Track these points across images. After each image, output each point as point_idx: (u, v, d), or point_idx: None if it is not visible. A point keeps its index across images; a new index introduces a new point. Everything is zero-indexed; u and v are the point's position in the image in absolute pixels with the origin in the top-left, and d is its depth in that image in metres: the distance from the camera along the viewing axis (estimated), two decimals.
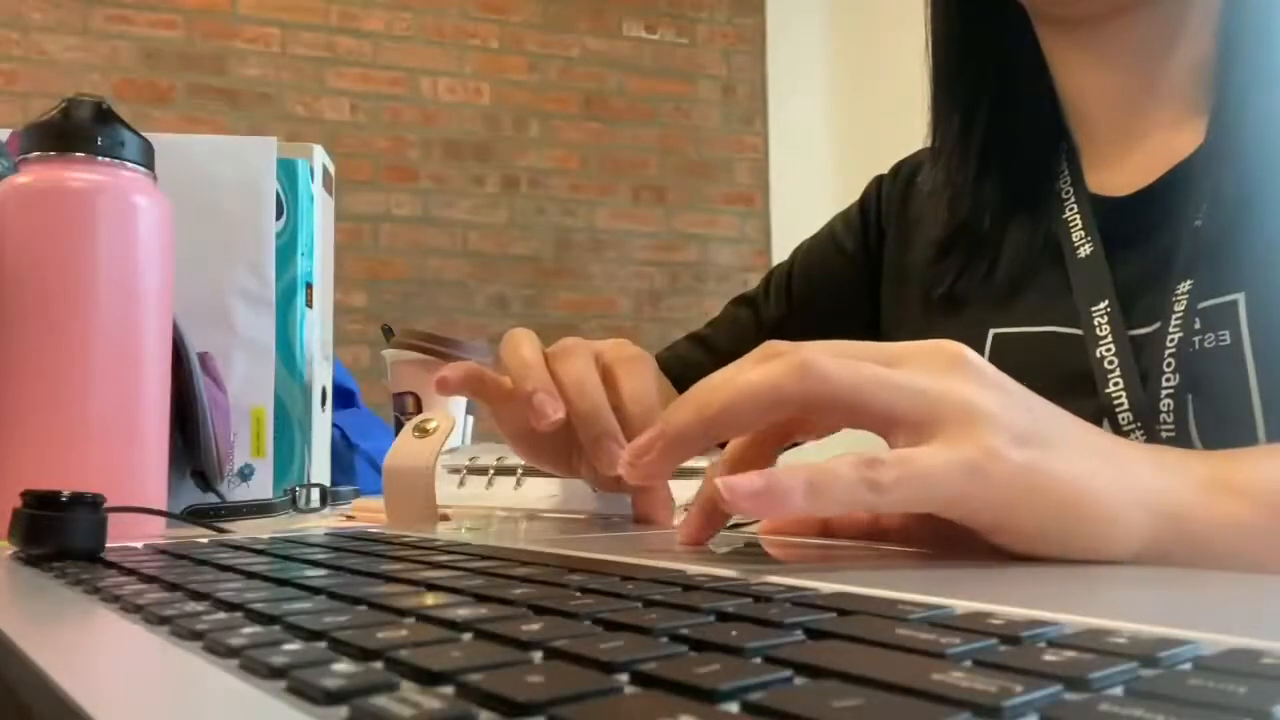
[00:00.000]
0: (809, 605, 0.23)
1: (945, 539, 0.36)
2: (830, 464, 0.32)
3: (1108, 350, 0.55)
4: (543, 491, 0.61)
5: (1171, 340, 0.52)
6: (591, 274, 3.11)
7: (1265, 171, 0.52)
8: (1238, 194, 0.52)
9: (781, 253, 3.74)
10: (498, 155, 3.04)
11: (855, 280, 0.75)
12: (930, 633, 0.19)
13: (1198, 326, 0.52)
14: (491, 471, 0.65)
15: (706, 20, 3.30)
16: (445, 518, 0.55)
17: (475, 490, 0.65)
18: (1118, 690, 0.16)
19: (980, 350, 0.54)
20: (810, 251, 0.80)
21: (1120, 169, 0.60)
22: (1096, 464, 0.34)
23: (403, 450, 0.54)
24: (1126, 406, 0.53)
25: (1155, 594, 0.28)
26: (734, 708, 0.15)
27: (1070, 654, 0.17)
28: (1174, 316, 0.53)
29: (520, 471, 0.63)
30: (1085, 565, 0.31)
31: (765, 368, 0.34)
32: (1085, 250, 0.58)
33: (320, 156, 0.89)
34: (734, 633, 0.19)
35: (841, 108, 3.12)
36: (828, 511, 0.38)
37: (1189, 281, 0.53)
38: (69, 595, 0.29)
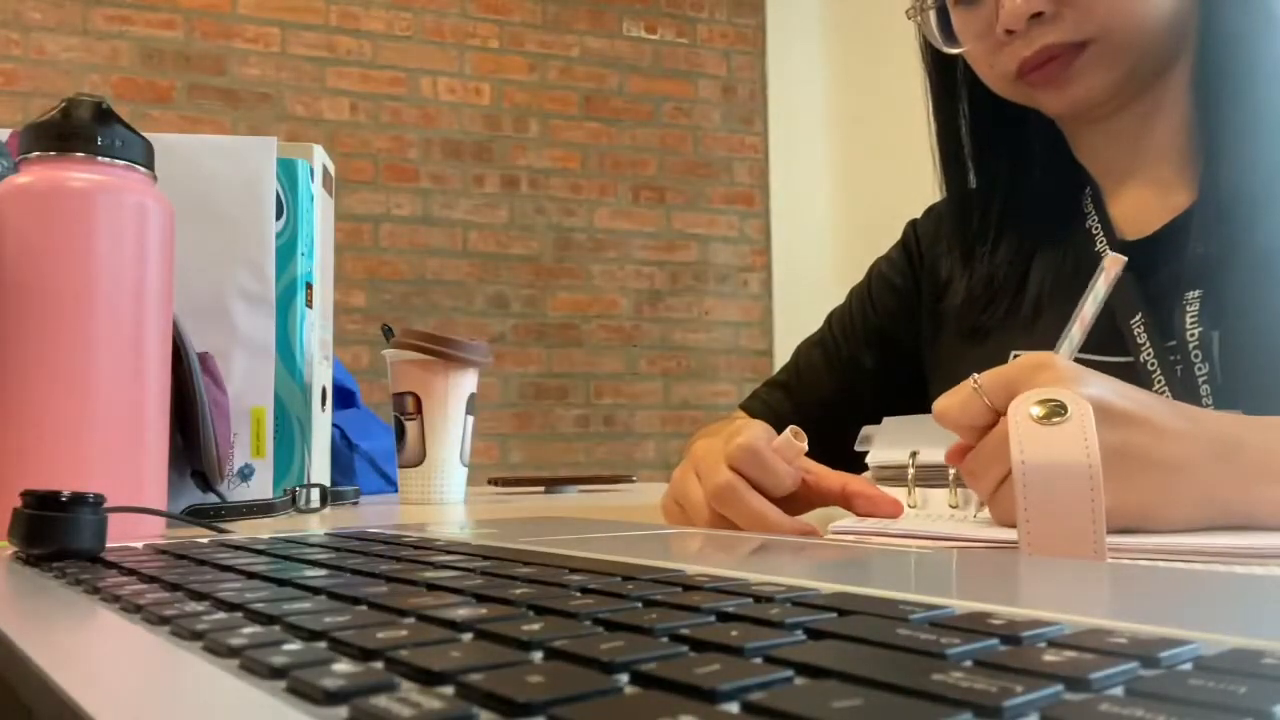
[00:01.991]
0: (809, 605, 0.23)
1: None
2: None
3: (1149, 355, 0.64)
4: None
5: (1192, 335, 0.63)
6: (591, 274, 3.11)
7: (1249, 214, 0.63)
8: (1224, 235, 0.63)
9: (781, 252, 3.70)
10: (498, 155, 3.04)
11: (912, 308, 0.84)
12: (930, 633, 0.19)
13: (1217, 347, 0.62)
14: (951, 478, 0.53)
15: (706, 20, 3.30)
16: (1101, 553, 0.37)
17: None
18: (1118, 690, 0.16)
19: None
20: (863, 296, 0.88)
21: (1137, 218, 0.70)
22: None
23: (1038, 442, 0.36)
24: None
25: (1155, 594, 0.28)
26: (734, 708, 0.15)
27: (1070, 654, 0.17)
28: (1188, 315, 0.63)
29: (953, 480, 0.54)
30: (1084, 565, 0.31)
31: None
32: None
33: (320, 156, 0.89)
34: (734, 633, 0.19)
35: (841, 108, 3.12)
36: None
37: (1198, 291, 0.63)
38: (69, 595, 0.29)
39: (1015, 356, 0.70)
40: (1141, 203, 0.70)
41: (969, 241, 0.76)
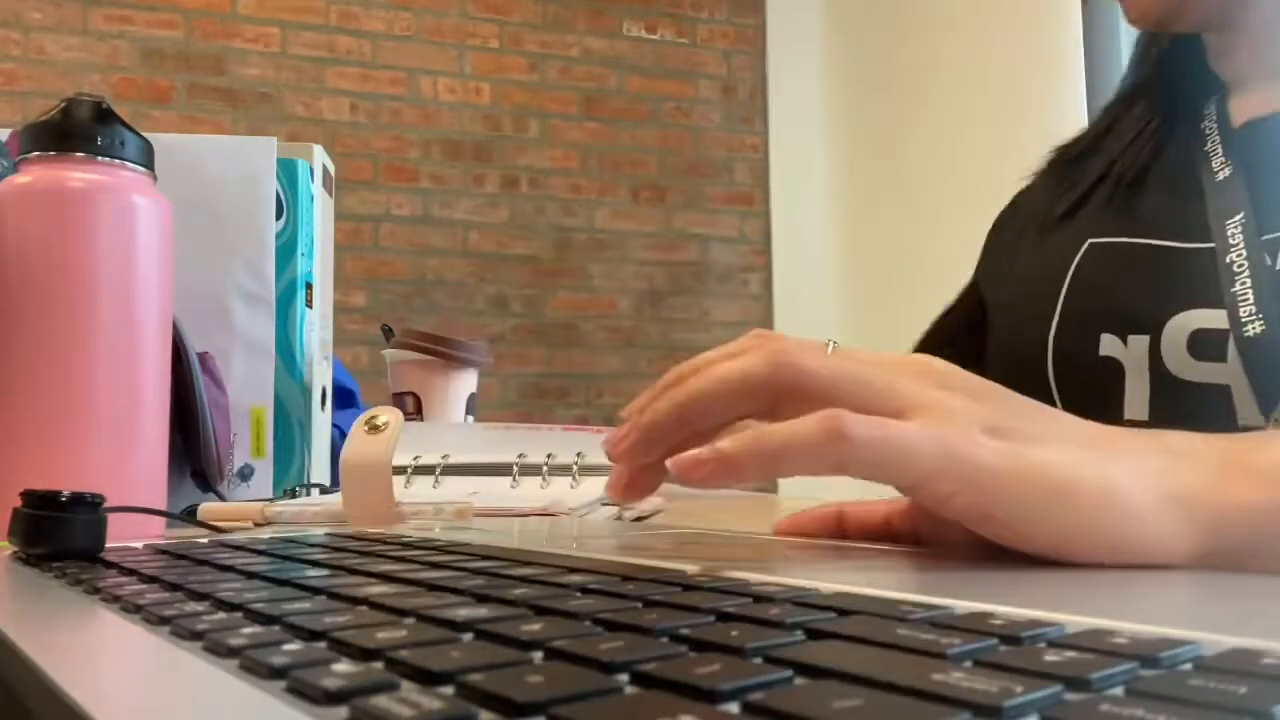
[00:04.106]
0: (809, 605, 0.23)
1: (955, 541, 0.35)
2: (795, 421, 0.31)
3: (1239, 255, 0.56)
4: (466, 489, 0.65)
5: None
6: (591, 274, 3.11)
7: None
8: None
9: (781, 252, 3.71)
10: (498, 155, 3.04)
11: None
12: (930, 633, 0.19)
13: None
14: (439, 470, 0.68)
15: (706, 20, 3.30)
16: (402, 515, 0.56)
17: (422, 490, 0.68)
18: (1118, 690, 0.16)
19: (1071, 258, 0.60)
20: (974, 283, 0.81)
21: (1256, 102, 0.63)
22: (1086, 453, 0.32)
23: (357, 447, 0.54)
24: (1251, 300, 0.54)
25: (1155, 594, 0.28)
26: (734, 708, 0.15)
27: (1070, 654, 0.17)
28: None
29: (439, 471, 0.67)
30: (1084, 565, 0.31)
31: (740, 358, 0.34)
32: (1224, 174, 0.61)
33: (320, 156, 0.89)
34: (734, 633, 0.19)
35: (841, 108, 3.12)
36: (795, 472, 0.32)
37: None
38: (69, 595, 0.29)
39: (1089, 246, 0.63)
40: (1262, 98, 0.64)
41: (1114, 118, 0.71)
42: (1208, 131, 0.65)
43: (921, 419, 0.32)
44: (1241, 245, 0.57)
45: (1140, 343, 0.58)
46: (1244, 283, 0.56)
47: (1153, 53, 0.71)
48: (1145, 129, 0.68)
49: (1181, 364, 0.56)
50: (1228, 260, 0.57)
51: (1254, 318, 0.54)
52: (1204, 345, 0.55)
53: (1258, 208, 0.58)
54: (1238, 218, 0.58)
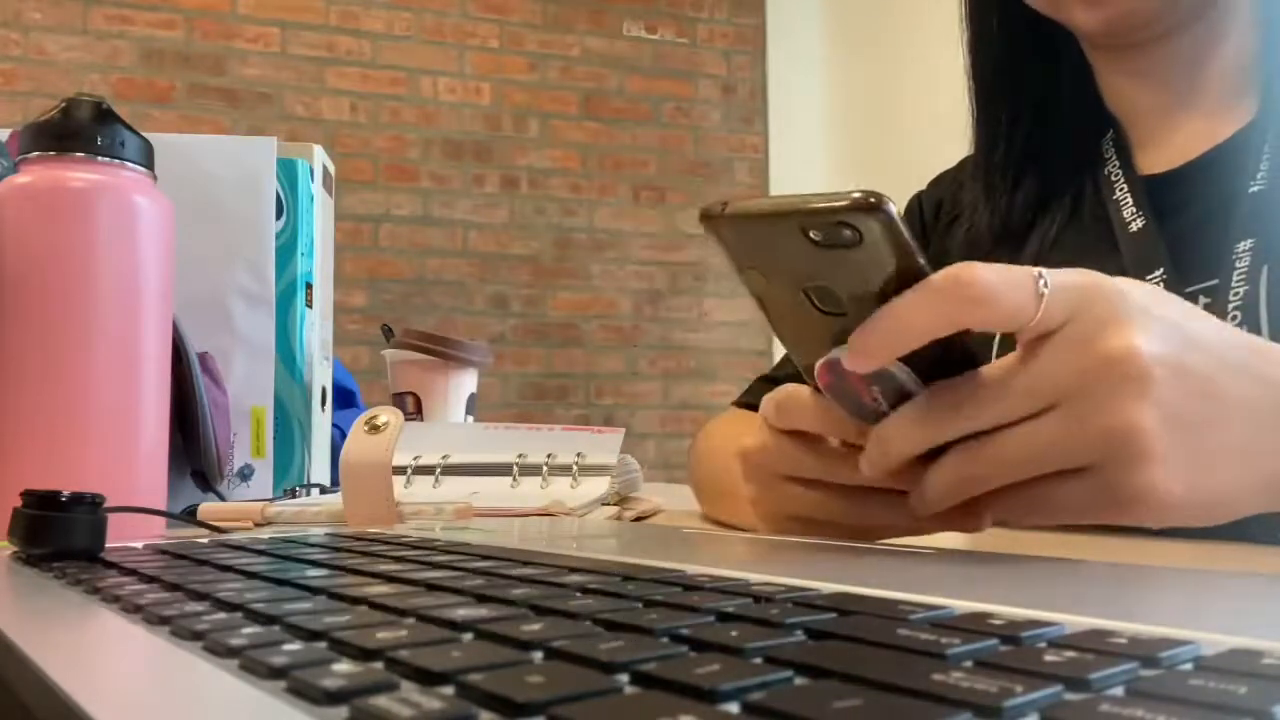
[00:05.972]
0: (809, 605, 0.23)
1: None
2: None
3: (1249, 287, 0.55)
4: (467, 489, 0.66)
5: (1236, 294, 0.54)
6: (591, 274, 3.11)
7: None
8: None
9: None
10: (498, 155, 3.04)
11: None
12: (930, 633, 0.19)
13: (1265, 286, 0.53)
14: (439, 470, 0.69)
15: (706, 20, 3.30)
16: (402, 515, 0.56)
17: (422, 490, 0.68)
18: (1118, 690, 0.16)
19: None
20: None
21: (1164, 151, 0.63)
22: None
23: (357, 447, 0.54)
24: None
25: (1155, 594, 0.28)
26: (734, 708, 0.15)
27: (1070, 654, 0.17)
28: (1236, 272, 0.54)
29: (439, 471, 0.68)
30: (1084, 565, 0.31)
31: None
32: (1136, 225, 0.60)
33: (320, 156, 0.89)
34: (734, 633, 0.19)
35: (841, 108, 3.12)
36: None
37: (1250, 240, 0.54)
38: (69, 595, 0.28)
39: None
40: (1172, 137, 0.63)
41: (991, 175, 0.69)
42: (1114, 178, 0.64)
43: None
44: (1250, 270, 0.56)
45: None
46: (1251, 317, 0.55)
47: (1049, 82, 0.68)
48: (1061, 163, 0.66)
49: None
50: (1241, 291, 0.55)
51: None
52: None
53: (1176, 261, 0.58)
54: (1158, 273, 0.58)
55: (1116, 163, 0.64)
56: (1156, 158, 0.63)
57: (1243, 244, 0.54)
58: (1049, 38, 0.66)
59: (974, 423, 0.35)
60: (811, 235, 0.31)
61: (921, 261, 0.32)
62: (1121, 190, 0.62)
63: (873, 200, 0.30)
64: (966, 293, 0.32)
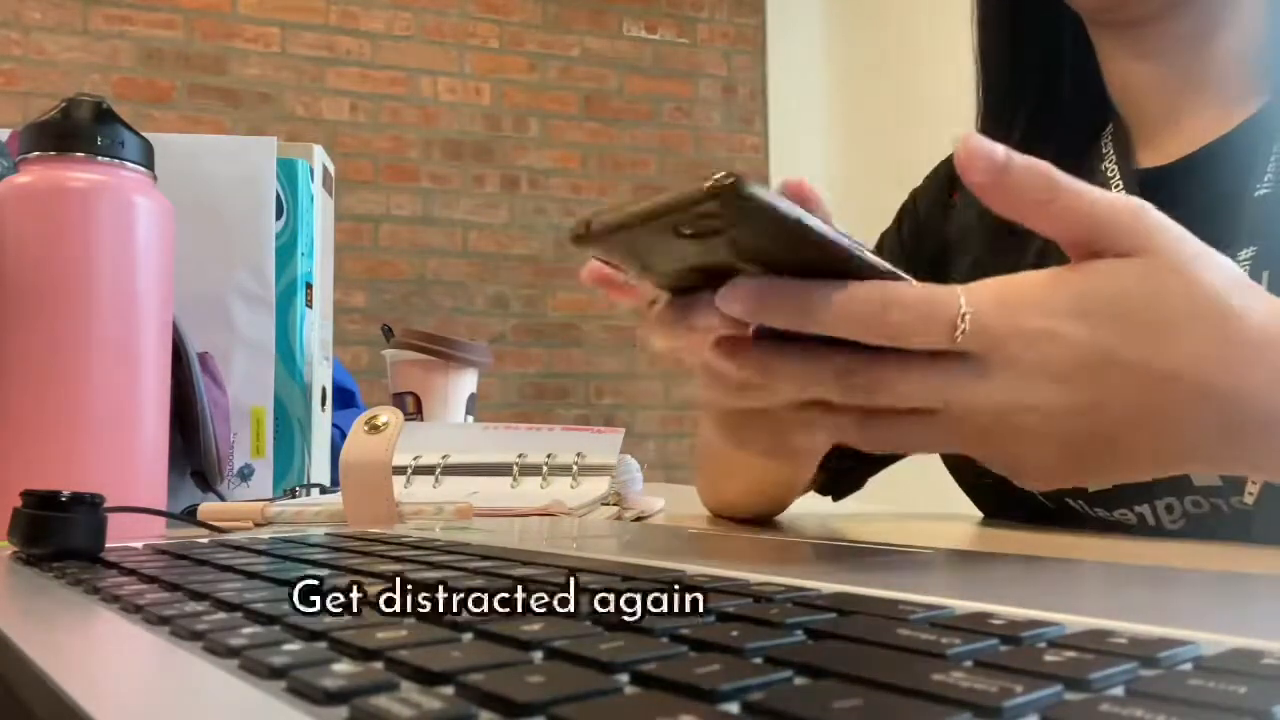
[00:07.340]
0: (809, 605, 0.23)
1: None
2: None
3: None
4: (467, 489, 0.66)
5: None
6: None
7: None
8: None
9: None
10: (498, 155, 3.04)
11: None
12: (930, 633, 0.19)
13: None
14: (439, 470, 0.69)
15: (706, 20, 3.30)
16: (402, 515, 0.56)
17: (422, 490, 0.68)
18: (1118, 690, 0.16)
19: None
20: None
21: (1167, 144, 0.62)
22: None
23: (357, 447, 0.54)
24: None
25: (1155, 594, 0.28)
26: (734, 708, 0.15)
27: (1070, 654, 0.17)
28: None
29: (439, 471, 0.69)
30: (1084, 565, 0.31)
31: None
32: None
33: (320, 156, 0.89)
34: (734, 633, 0.19)
35: (841, 108, 3.12)
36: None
37: (1253, 248, 0.53)
38: (69, 595, 0.28)
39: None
40: (1175, 129, 0.60)
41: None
42: (1109, 174, 0.63)
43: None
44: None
45: None
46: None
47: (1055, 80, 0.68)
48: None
49: None
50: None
51: None
52: None
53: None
54: (1249, 251, 0.55)
55: (1113, 158, 0.64)
56: (1160, 148, 0.62)
57: (1245, 251, 0.53)
58: (1054, 28, 0.66)
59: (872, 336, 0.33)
60: (682, 230, 0.29)
61: (809, 224, 0.29)
62: (1117, 186, 0.62)
63: (729, 182, 0.27)
64: (882, 318, 0.31)
